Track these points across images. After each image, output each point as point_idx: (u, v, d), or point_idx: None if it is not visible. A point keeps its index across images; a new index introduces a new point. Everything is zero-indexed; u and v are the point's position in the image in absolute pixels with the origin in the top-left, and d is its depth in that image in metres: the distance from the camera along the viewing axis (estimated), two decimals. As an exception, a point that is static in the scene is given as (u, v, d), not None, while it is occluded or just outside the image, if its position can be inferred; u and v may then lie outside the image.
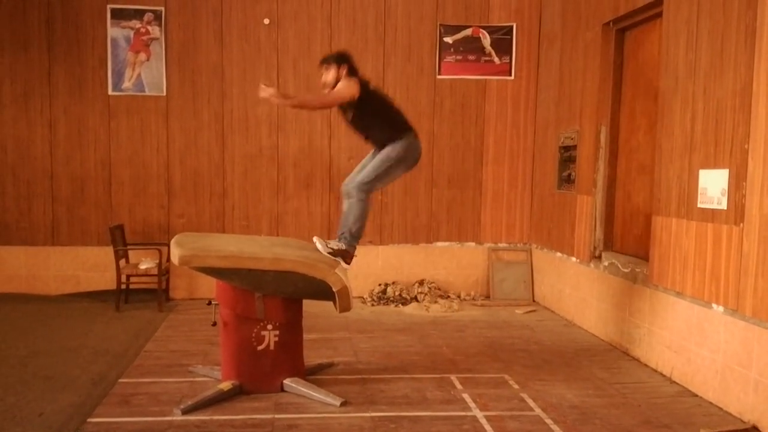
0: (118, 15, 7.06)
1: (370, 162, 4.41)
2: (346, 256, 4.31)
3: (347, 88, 4.26)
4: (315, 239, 4.36)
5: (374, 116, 4.38)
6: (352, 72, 4.39)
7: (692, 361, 4.44)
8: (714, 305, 4.20)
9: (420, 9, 7.36)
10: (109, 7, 7.04)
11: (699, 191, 4.35)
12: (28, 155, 7.10)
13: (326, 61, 4.44)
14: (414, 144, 4.42)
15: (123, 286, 6.72)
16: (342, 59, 4.40)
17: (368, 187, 4.30)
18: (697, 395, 4.35)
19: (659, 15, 5.02)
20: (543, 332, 6.04)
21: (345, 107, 4.41)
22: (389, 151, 4.33)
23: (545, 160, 7.22)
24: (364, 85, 4.35)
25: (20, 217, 7.13)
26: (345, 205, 4.42)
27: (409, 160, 4.42)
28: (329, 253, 4.25)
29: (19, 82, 7.03)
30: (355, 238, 4.31)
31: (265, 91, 4.16)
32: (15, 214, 7.12)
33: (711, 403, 4.21)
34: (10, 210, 7.12)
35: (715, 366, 4.19)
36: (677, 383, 4.58)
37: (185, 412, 3.88)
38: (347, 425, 3.77)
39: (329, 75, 4.39)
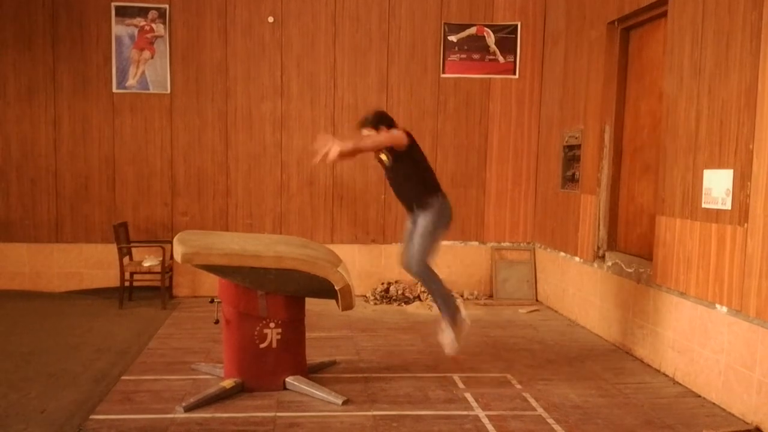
0: (123, 12, 7.06)
1: (412, 236, 4.52)
2: (456, 318, 4.44)
3: (401, 136, 4.33)
4: (443, 339, 4.47)
5: (412, 169, 4.47)
6: (392, 128, 4.47)
7: (695, 361, 4.42)
8: (718, 306, 4.19)
9: (424, 7, 7.35)
10: (113, 4, 7.04)
11: (703, 191, 4.33)
12: (32, 153, 7.11)
13: (365, 124, 4.49)
14: (445, 205, 4.51)
15: (126, 284, 6.73)
16: (380, 120, 4.47)
17: (424, 263, 4.41)
18: (700, 396, 4.34)
19: (664, 14, 5.00)
20: (546, 332, 6.03)
21: (386, 155, 4.46)
22: (425, 223, 4.43)
23: (549, 160, 7.21)
24: (409, 136, 4.43)
25: (24, 214, 7.15)
26: (419, 283, 4.68)
27: (444, 221, 4.53)
28: (454, 330, 4.39)
29: (24, 80, 7.05)
30: (449, 303, 4.43)
31: (325, 145, 4.07)
32: (19, 211, 7.14)
33: (714, 403, 4.19)
34: (14, 207, 7.13)
35: (719, 367, 4.18)
36: (680, 384, 4.56)
37: (187, 409, 3.88)
38: (349, 424, 3.77)
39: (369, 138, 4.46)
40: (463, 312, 4.47)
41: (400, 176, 4.52)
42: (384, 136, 4.34)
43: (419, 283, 4.47)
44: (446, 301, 4.44)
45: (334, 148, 3.99)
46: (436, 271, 4.48)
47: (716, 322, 4.21)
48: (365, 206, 7.46)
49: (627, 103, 5.79)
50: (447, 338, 4.45)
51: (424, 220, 4.44)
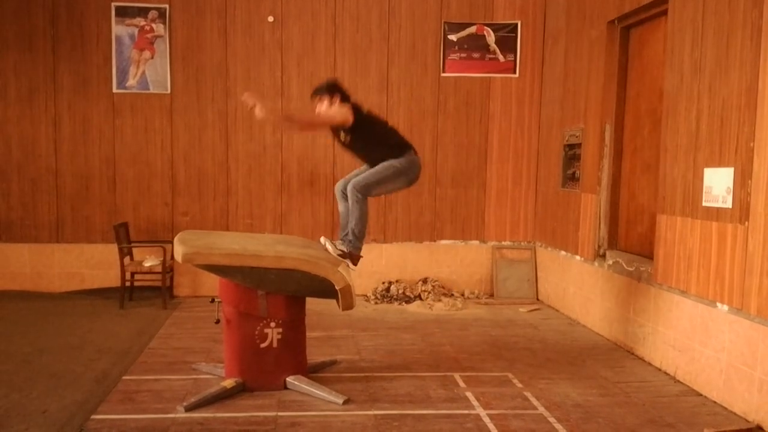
0: (123, 13, 7.07)
1: (368, 169, 4.43)
2: (353, 258, 4.34)
3: (340, 114, 4.29)
4: (322, 240, 4.40)
5: (371, 139, 4.41)
6: (345, 99, 4.41)
7: (696, 360, 4.42)
8: (719, 304, 4.19)
9: (424, 7, 7.35)
10: (113, 4, 7.04)
11: (704, 190, 4.33)
12: (33, 153, 7.12)
13: (318, 93, 4.44)
14: (415, 160, 4.47)
15: (127, 284, 6.73)
16: (333, 89, 4.42)
17: (365, 190, 4.29)
18: (701, 394, 4.34)
19: (664, 13, 4.99)
20: (547, 331, 6.03)
21: (340, 133, 4.44)
22: (392, 161, 4.36)
23: (549, 159, 7.20)
24: (357, 110, 4.38)
25: (25, 214, 7.15)
26: (341, 206, 4.51)
27: (410, 174, 4.45)
28: (338, 254, 4.27)
29: (24, 80, 7.05)
30: (358, 239, 4.33)
31: (251, 99, 4.09)
32: (20, 211, 7.14)
33: (715, 402, 4.19)
34: (14, 208, 7.14)
35: (720, 365, 4.18)
36: (681, 382, 4.56)
37: (188, 409, 3.88)
38: (350, 423, 3.77)
39: (323, 105, 4.39)
40: (352, 266, 4.30)
41: (364, 149, 4.44)
42: (320, 119, 4.31)
43: (340, 203, 4.33)
44: (359, 233, 4.26)
45: (258, 111, 4.03)
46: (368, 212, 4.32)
47: (717, 321, 4.20)
48: (366, 206, 7.45)
49: (627, 101, 5.78)
50: (333, 248, 4.25)
51: (391, 160, 4.34)
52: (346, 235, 4.37)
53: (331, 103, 4.36)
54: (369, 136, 4.40)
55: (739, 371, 4.00)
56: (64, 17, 7.03)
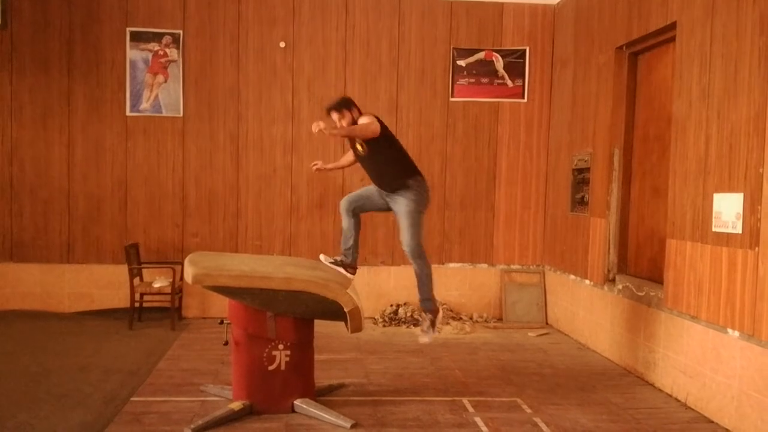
0: (137, 38, 7.19)
1: (400, 222, 4.64)
2: (435, 319, 4.65)
3: (376, 126, 4.43)
4: (322, 257, 4.68)
5: (389, 154, 4.54)
6: (360, 112, 4.59)
7: (708, 386, 4.37)
8: (729, 330, 4.16)
9: (433, 33, 7.44)
10: (128, 30, 7.18)
11: (713, 215, 4.33)
12: (46, 174, 7.20)
13: (335, 109, 4.55)
14: (424, 186, 4.64)
15: (136, 305, 6.75)
16: (350, 103, 4.58)
17: (418, 247, 4.54)
18: (712, 421, 4.29)
19: (672, 39, 5.04)
20: (556, 355, 5.99)
21: (356, 145, 4.59)
22: (409, 209, 4.53)
23: (558, 183, 7.22)
24: (382, 123, 4.52)
25: (36, 234, 7.21)
26: (345, 222, 4.75)
27: (425, 202, 4.65)
28: (435, 316, 4.64)
29: (39, 103, 7.16)
30: (432, 287, 4.66)
31: (317, 126, 4.29)
32: (31, 231, 7.20)
33: (727, 429, 4.14)
34: (26, 228, 7.20)
35: (731, 392, 4.13)
36: (692, 409, 4.51)
37: (196, 431, 3.87)
38: (358, 447, 3.74)
39: (344, 120, 4.52)
40: (350, 276, 4.65)
41: (380, 162, 4.56)
42: (369, 129, 4.40)
43: (415, 264, 4.60)
44: (431, 284, 4.56)
45: (319, 126, 4.22)
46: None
47: (728, 347, 4.17)
48: (374, 228, 7.47)
49: (636, 126, 5.81)
50: (426, 324, 4.54)
51: (406, 205, 4.51)
52: (426, 299, 4.64)
53: (352, 116, 4.50)
54: (388, 150, 4.53)
55: (751, 398, 3.95)
56: (80, 41, 7.16)
